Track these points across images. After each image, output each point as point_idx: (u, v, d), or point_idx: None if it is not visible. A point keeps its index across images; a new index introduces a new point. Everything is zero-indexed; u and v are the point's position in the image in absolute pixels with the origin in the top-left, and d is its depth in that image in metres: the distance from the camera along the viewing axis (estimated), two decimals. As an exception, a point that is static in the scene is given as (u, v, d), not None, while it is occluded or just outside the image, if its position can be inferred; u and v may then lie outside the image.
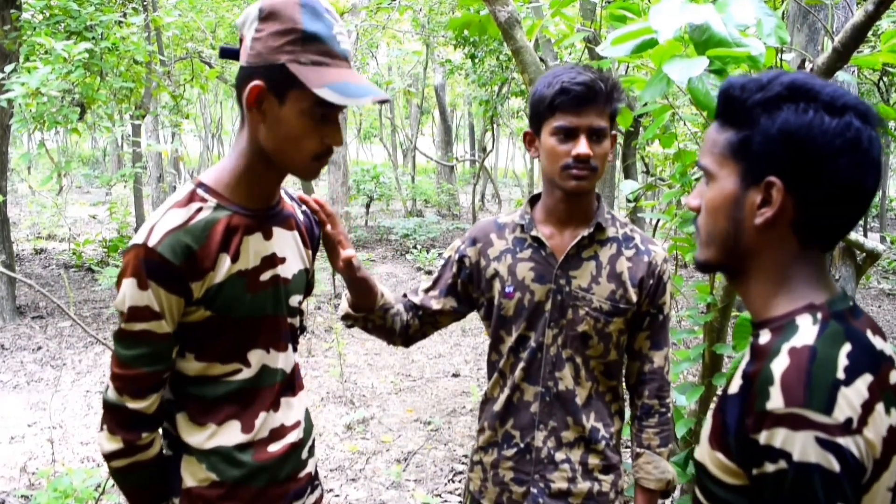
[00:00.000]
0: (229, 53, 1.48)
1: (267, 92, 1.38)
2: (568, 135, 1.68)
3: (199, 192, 1.48)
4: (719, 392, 1.25)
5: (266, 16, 1.38)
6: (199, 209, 1.45)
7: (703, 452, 1.05)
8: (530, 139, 1.79)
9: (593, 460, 1.81)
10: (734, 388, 1.00)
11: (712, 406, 1.15)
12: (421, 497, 4.01)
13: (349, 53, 1.43)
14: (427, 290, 1.92)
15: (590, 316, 1.76)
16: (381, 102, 1.42)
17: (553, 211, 1.80)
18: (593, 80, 1.67)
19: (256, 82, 1.37)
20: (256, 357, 1.55)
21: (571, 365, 1.78)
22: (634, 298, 1.78)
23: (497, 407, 1.85)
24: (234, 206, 1.49)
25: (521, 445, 1.82)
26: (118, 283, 1.43)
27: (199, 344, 1.50)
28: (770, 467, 0.92)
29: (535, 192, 1.95)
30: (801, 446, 0.89)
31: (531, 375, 1.81)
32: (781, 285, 1.05)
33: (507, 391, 1.83)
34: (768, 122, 1.00)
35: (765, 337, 1.02)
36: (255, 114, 1.41)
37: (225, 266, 1.46)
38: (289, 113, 1.39)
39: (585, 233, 1.77)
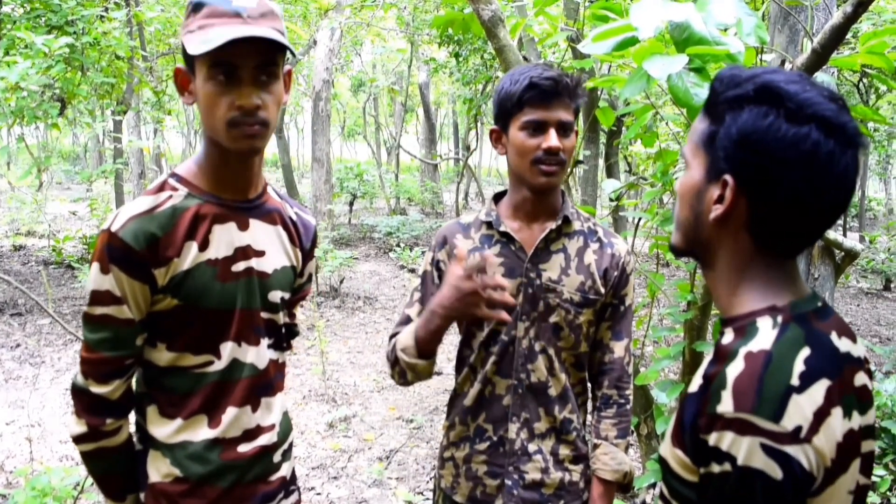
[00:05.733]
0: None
1: (186, 73, 1.44)
2: (537, 128, 1.71)
3: (171, 181, 1.50)
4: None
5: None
6: (169, 197, 1.47)
7: (666, 448, 1.05)
8: (497, 136, 1.81)
9: (564, 450, 1.83)
10: (694, 387, 1.01)
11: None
12: (403, 495, 4.01)
13: (245, 10, 1.38)
14: (420, 314, 1.85)
15: (561, 307, 1.78)
16: (276, 46, 1.38)
17: (520, 207, 1.82)
18: (560, 76, 1.71)
19: (176, 67, 1.45)
20: (228, 350, 1.54)
21: (545, 357, 1.79)
22: (602, 290, 1.81)
23: (468, 401, 1.85)
24: (205, 196, 1.49)
25: (495, 438, 1.83)
26: (91, 268, 1.45)
27: (169, 333, 1.49)
28: (716, 468, 0.93)
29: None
30: (747, 451, 0.90)
31: (503, 369, 1.81)
32: (742, 283, 1.05)
33: (477, 385, 1.84)
34: (731, 120, 1.00)
35: (728, 337, 1.03)
36: (186, 98, 1.45)
37: (191, 254, 1.45)
38: (199, 84, 1.42)
39: (553, 225, 1.79)
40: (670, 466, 1.03)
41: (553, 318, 1.78)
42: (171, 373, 1.51)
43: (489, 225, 1.84)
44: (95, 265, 1.42)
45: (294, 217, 1.68)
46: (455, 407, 1.91)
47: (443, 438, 1.95)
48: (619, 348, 1.87)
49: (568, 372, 1.83)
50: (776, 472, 0.89)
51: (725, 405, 0.92)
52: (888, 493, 3.75)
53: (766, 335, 0.97)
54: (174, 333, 1.49)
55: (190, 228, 1.46)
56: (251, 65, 1.38)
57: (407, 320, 1.88)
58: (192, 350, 1.51)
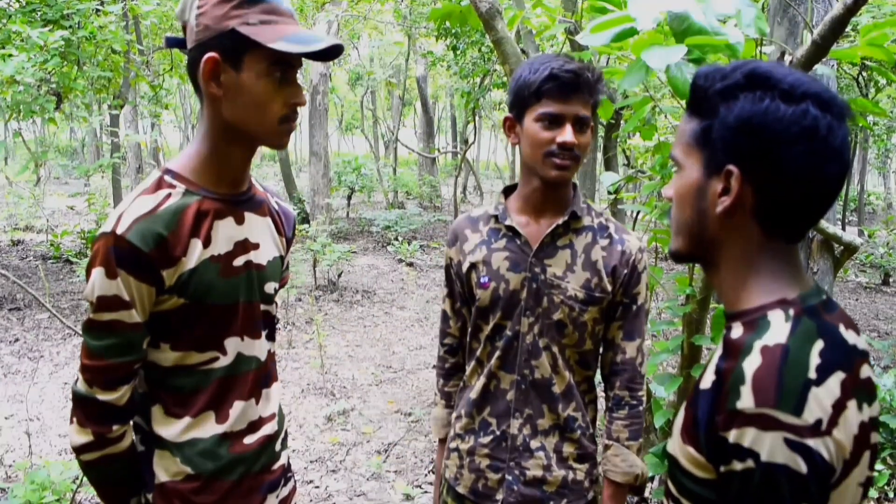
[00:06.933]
0: (175, 43, 1.46)
1: (222, 62, 1.37)
2: (553, 122, 1.67)
3: (167, 178, 1.46)
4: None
5: None
6: (168, 195, 1.43)
7: (675, 445, 1.04)
8: (510, 125, 1.77)
9: (568, 448, 1.81)
10: (706, 383, 1.00)
11: (689, 398, 1.15)
12: (401, 488, 4.01)
13: (294, 12, 1.43)
14: (454, 309, 1.97)
15: (564, 304, 1.75)
16: (336, 52, 1.43)
17: (529, 199, 1.79)
18: (581, 69, 1.66)
19: (210, 54, 1.36)
20: (232, 345, 1.53)
21: (549, 353, 1.77)
22: (609, 288, 1.78)
23: (474, 394, 1.85)
24: (202, 191, 1.47)
25: (498, 433, 1.82)
26: (87, 273, 1.40)
27: (174, 333, 1.47)
28: (738, 466, 0.92)
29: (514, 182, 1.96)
30: (770, 447, 0.89)
31: (507, 364, 1.80)
32: (750, 276, 1.04)
33: (483, 379, 1.83)
34: (727, 111, 1.00)
35: (737, 331, 1.02)
36: (215, 88, 1.39)
37: (196, 251, 1.44)
38: (248, 78, 1.38)
39: (560, 221, 1.76)
40: (680, 464, 1.02)
41: (557, 315, 1.76)
42: (176, 372, 1.50)
43: (496, 219, 1.83)
44: (100, 270, 1.37)
45: (277, 207, 1.68)
46: (462, 398, 1.91)
47: (450, 429, 1.95)
48: (631, 348, 1.84)
49: (572, 369, 1.81)
50: (800, 465, 0.89)
51: (745, 401, 0.91)
52: (886, 487, 3.75)
53: (779, 329, 0.97)
54: (179, 333, 1.47)
55: (194, 226, 1.43)
56: (298, 65, 1.43)
57: (445, 317, 2.01)
58: (197, 348, 1.49)
